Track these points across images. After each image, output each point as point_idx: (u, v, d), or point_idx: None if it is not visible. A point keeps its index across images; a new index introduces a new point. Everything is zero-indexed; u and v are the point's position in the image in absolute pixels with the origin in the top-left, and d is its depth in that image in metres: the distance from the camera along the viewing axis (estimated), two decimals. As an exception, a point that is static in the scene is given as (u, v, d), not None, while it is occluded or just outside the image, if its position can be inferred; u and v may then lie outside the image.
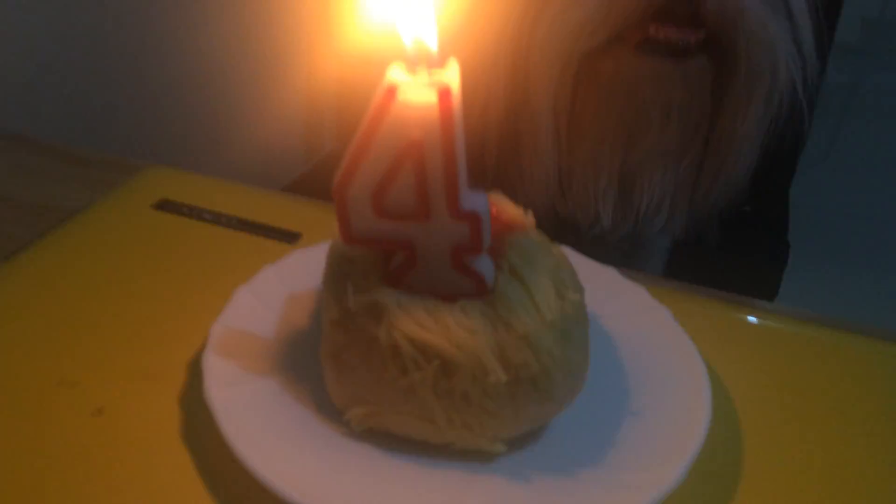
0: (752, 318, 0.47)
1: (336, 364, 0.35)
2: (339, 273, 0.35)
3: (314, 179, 1.00)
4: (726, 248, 0.75)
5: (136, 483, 0.33)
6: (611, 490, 0.33)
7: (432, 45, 0.30)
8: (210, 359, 0.37)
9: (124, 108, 0.83)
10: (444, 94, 0.30)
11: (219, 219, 0.51)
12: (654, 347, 0.41)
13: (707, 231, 0.63)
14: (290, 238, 0.50)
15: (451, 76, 0.30)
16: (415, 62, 0.30)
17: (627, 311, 0.43)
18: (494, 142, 0.56)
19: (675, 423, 0.36)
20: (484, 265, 0.34)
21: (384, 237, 0.34)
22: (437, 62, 0.30)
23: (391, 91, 0.30)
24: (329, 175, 0.32)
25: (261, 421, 0.35)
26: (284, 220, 0.51)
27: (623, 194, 0.57)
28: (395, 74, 0.30)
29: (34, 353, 0.39)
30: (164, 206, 0.52)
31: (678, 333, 0.41)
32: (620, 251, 0.64)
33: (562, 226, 0.60)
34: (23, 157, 0.65)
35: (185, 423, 0.36)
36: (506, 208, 0.38)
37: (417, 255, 0.34)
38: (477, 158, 0.56)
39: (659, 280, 0.52)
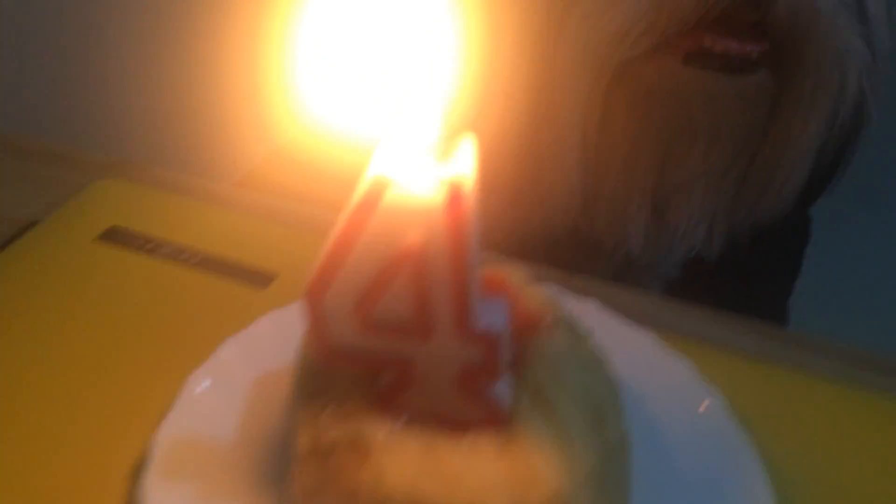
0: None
1: (309, 504, 0.27)
2: (312, 388, 0.28)
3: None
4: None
5: None
6: None
7: (437, 126, 0.21)
8: (150, 482, 0.29)
9: (75, 91, 0.74)
10: (454, 192, 0.21)
11: (177, 253, 0.43)
12: (707, 451, 0.33)
13: (737, 249, 0.56)
14: (262, 281, 0.42)
15: (465, 166, 0.22)
16: (415, 145, 0.22)
17: (671, 397, 0.35)
18: (512, 155, 0.48)
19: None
20: (500, 387, 0.26)
21: (371, 354, 0.26)
22: (445, 145, 0.22)
23: (381, 184, 0.22)
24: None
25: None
26: (256, 255, 0.43)
27: (656, 216, 0.50)
28: (387, 161, 0.22)
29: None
30: (112, 234, 0.43)
31: (733, 432, 0.34)
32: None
33: (580, 247, 0.53)
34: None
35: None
36: (525, 297, 0.29)
37: (415, 372, 0.26)
38: (491, 175, 0.49)
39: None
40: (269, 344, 0.35)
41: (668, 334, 0.39)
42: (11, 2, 0.65)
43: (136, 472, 0.31)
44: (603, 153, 0.46)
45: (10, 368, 0.36)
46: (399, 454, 0.25)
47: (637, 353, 0.37)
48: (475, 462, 0.25)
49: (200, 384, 0.33)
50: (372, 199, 0.22)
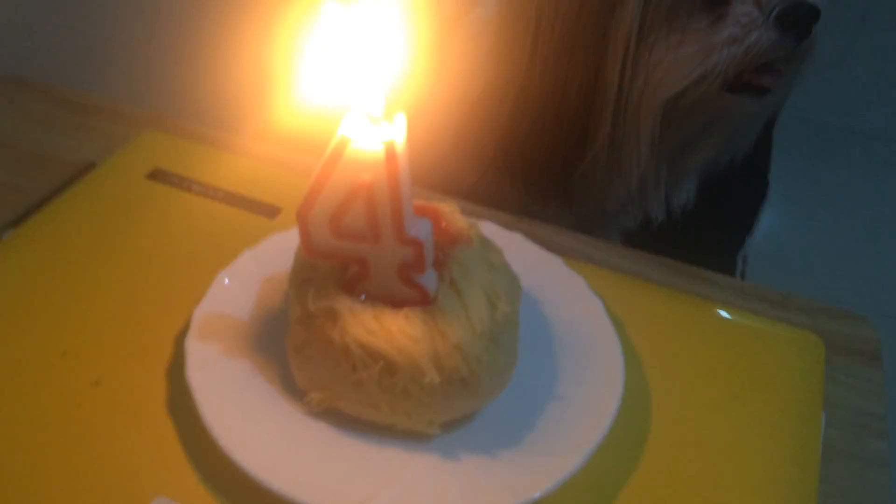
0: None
1: (299, 356, 0.41)
2: (302, 278, 0.41)
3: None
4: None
5: (125, 449, 0.40)
6: (521, 474, 0.39)
7: (381, 105, 0.34)
8: (191, 342, 0.42)
9: (122, 50, 0.86)
10: (390, 148, 0.34)
11: (206, 190, 0.56)
12: (584, 336, 0.47)
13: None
14: (270, 212, 0.55)
15: (398, 131, 0.35)
16: (366, 115, 0.35)
17: (565, 299, 0.49)
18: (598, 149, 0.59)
19: (590, 409, 0.42)
20: (428, 278, 0.39)
21: (340, 253, 0.39)
22: (387, 117, 0.35)
23: (344, 141, 0.34)
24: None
25: (232, 399, 0.41)
26: (266, 192, 0.56)
27: (668, 192, 0.63)
28: (349, 126, 0.35)
29: (39, 326, 0.45)
30: (157, 175, 0.57)
31: (605, 323, 0.47)
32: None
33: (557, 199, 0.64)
34: (26, 102, 0.69)
35: (170, 397, 0.42)
36: (455, 220, 0.42)
37: (369, 269, 0.39)
38: (574, 160, 0.60)
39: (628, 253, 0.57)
40: (274, 255, 0.49)
41: (576, 261, 0.52)
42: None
43: (180, 337, 0.44)
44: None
45: (89, 268, 0.49)
46: (357, 318, 0.38)
47: (542, 269, 0.50)
48: (408, 325, 0.38)
49: (224, 280, 0.46)
50: (339, 151, 0.35)
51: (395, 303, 0.39)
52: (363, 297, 0.40)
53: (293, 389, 0.42)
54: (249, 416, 0.40)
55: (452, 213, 0.43)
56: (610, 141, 0.55)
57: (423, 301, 0.39)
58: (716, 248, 1.03)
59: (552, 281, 0.49)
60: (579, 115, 0.55)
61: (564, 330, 0.47)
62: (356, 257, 0.39)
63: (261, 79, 0.90)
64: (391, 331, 0.38)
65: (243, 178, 0.57)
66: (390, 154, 0.34)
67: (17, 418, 0.41)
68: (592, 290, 0.49)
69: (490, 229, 0.51)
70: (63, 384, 0.42)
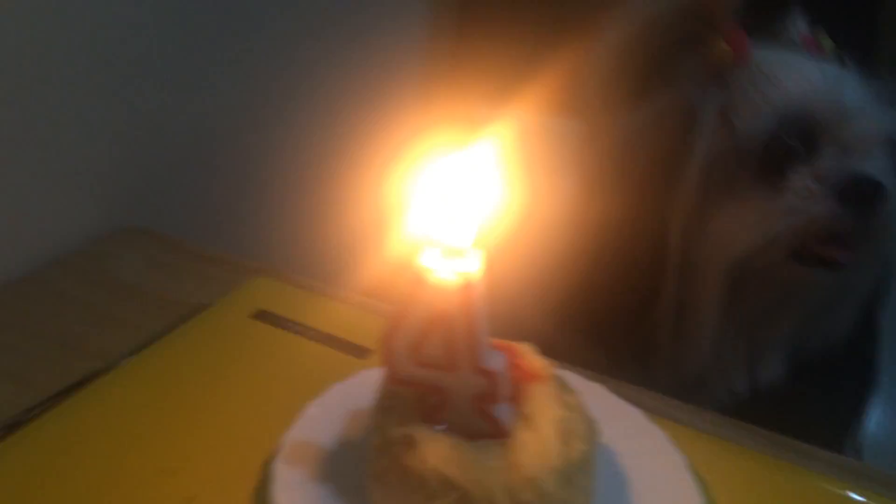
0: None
1: (378, 483, 0.42)
2: (384, 406, 0.43)
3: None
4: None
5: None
6: None
7: (465, 243, 0.38)
8: (279, 466, 0.45)
9: (238, 208, 0.96)
10: (465, 279, 0.37)
11: (304, 330, 0.60)
12: (664, 492, 0.46)
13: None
14: (359, 353, 0.58)
15: (474, 266, 0.38)
16: (448, 249, 0.38)
17: (646, 453, 0.48)
18: (664, 312, 0.60)
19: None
20: (503, 412, 0.41)
21: (421, 381, 0.41)
22: (468, 253, 0.38)
23: (424, 273, 0.38)
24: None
25: (314, 524, 0.42)
26: (357, 335, 0.60)
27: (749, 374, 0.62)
28: (429, 259, 0.38)
29: (143, 444, 0.49)
30: (261, 316, 0.61)
31: (688, 481, 0.46)
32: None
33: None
34: (151, 251, 0.77)
35: (256, 519, 0.44)
36: (531, 359, 0.44)
37: (447, 399, 0.41)
38: (642, 320, 0.60)
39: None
40: (362, 389, 0.51)
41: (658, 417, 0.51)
42: (199, 142, 0.88)
43: (269, 462, 0.47)
44: (726, 316, 0.57)
45: (194, 395, 0.53)
46: (434, 447, 0.40)
47: (621, 420, 0.50)
48: (485, 455, 0.40)
49: (313, 410, 0.49)
50: (419, 281, 0.38)
51: (472, 435, 0.41)
52: (442, 427, 0.41)
53: (372, 517, 0.43)
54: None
55: (529, 352, 0.45)
56: (676, 304, 0.55)
57: (499, 434, 0.41)
58: (819, 434, 0.98)
59: (632, 433, 0.49)
60: (646, 272, 0.55)
61: (644, 485, 0.47)
62: (435, 385, 0.41)
63: (359, 234, 0.97)
64: (467, 461, 0.39)
65: (337, 321, 0.61)
66: (466, 285, 0.37)
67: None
68: (675, 445, 0.48)
69: (569, 377, 0.53)
70: (159, 499, 0.45)
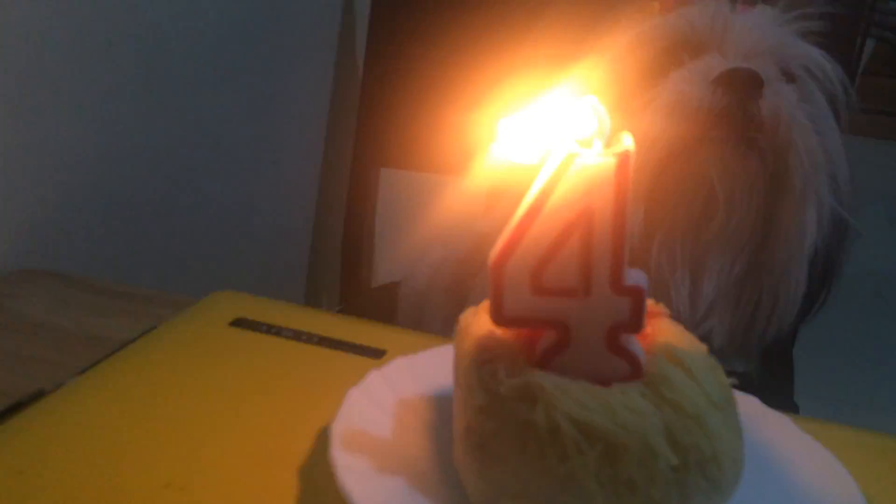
0: None
1: (481, 456, 0.32)
2: (482, 359, 0.34)
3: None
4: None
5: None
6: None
7: (604, 121, 0.31)
8: (339, 454, 0.34)
9: (153, 244, 0.83)
10: (623, 159, 0.30)
11: (299, 335, 0.49)
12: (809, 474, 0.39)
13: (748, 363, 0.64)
14: (375, 354, 0.48)
15: (628, 144, 0.31)
16: (587, 137, 0.31)
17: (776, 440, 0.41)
18: None
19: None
20: (636, 347, 0.33)
21: (537, 316, 0.33)
22: (608, 136, 0.31)
23: (570, 158, 0.30)
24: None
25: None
26: (365, 338, 0.50)
27: (693, 286, 0.58)
28: (570, 146, 0.31)
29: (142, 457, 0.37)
30: (241, 323, 0.50)
31: (833, 463, 0.39)
32: None
33: None
34: (67, 292, 0.63)
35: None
36: (650, 305, 0.37)
37: (570, 336, 0.33)
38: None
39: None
40: (404, 376, 0.42)
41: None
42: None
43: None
44: (649, 227, 0.56)
45: (192, 410, 0.41)
46: (567, 393, 0.31)
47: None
48: (628, 398, 0.31)
49: (357, 397, 0.39)
50: (561, 170, 0.30)
51: (601, 380, 0.33)
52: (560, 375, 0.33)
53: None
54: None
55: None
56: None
57: (635, 373, 0.33)
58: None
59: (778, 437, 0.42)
60: None
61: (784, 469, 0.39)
62: (556, 320, 0.33)
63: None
64: (611, 404, 0.31)
65: (336, 326, 0.51)
66: (622, 168, 0.30)
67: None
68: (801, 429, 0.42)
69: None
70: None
